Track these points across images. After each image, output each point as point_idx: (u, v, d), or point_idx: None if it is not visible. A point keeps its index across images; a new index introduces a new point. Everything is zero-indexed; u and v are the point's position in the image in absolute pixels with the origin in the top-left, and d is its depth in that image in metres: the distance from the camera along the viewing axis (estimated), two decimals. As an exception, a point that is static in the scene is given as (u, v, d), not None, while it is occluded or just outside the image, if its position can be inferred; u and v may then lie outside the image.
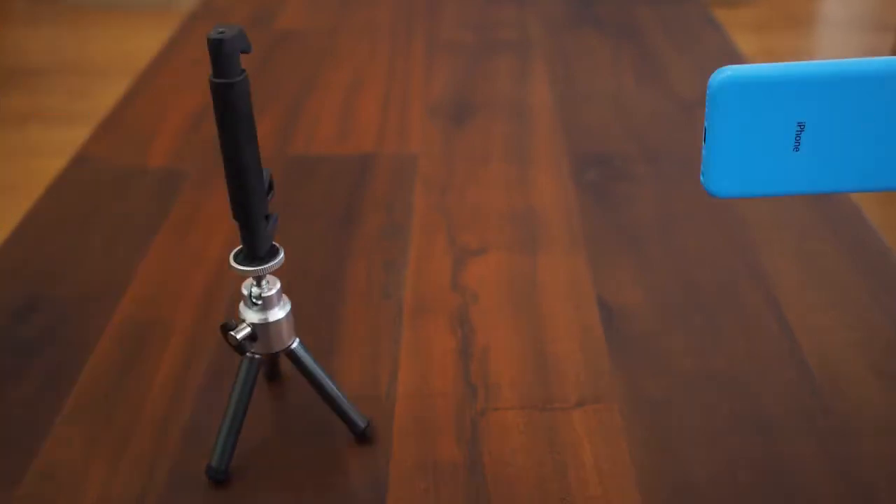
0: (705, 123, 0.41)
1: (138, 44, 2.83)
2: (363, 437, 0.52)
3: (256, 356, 0.50)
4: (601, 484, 0.50)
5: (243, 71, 0.42)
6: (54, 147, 2.13)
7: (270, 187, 0.46)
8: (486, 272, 0.67)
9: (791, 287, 0.65)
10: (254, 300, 0.49)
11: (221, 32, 0.40)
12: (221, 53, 0.40)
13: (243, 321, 0.49)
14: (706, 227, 0.73)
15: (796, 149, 0.41)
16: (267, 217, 0.46)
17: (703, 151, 0.41)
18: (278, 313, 0.49)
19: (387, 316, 0.63)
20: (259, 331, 0.49)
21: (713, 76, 0.40)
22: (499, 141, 0.87)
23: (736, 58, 1.05)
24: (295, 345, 0.51)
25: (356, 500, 0.49)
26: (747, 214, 0.74)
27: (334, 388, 0.51)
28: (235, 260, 0.47)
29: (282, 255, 0.47)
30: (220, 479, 0.49)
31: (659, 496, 0.49)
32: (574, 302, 0.64)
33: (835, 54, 2.85)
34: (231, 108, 0.42)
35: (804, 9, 3.24)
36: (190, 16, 1.22)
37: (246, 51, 0.41)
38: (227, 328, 0.48)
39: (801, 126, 0.41)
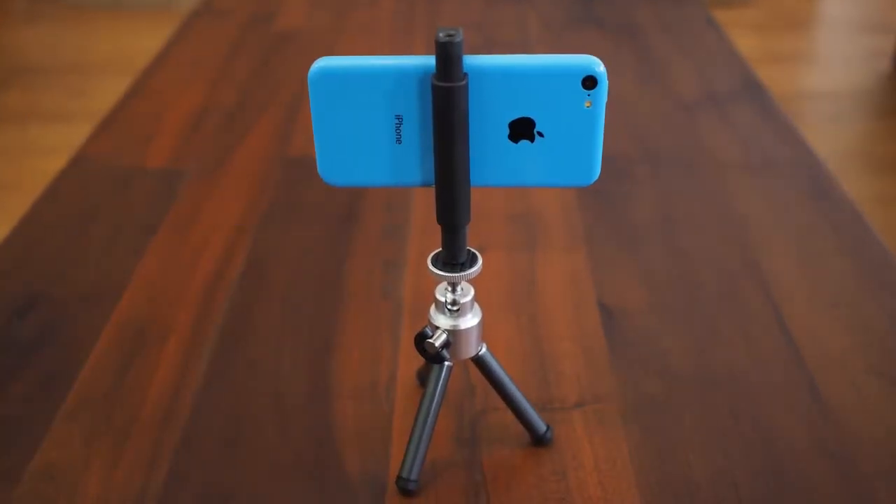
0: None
1: (138, 43, 2.82)
2: (543, 441, 0.52)
3: (448, 363, 0.49)
4: (601, 484, 0.49)
5: (465, 75, 0.40)
6: (54, 146, 2.13)
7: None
8: (486, 272, 0.67)
9: (791, 287, 0.65)
10: (450, 307, 0.48)
11: (450, 35, 0.38)
12: (451, 57, 0.39)
13: (437, 328, 0.48)
14: (706, 227, 0.72)
15: (398, 141, 0.42)
16: (468, 222, 0.45)
17: (315, 140, 0.42)
18: (472, 320, 0.48)
19: (386, 316, 0.63)
20: (453, 338, 0.48)
21: (312, 67, 0.40)
22: (499, 141, 0.87)
23: (735, 58, 1.05)
24: (482, 351, 0.50)
25: (356, 500, 0.49)
26: (747, 214, 0.74)
27: (517, 393, 0.51)
28: (434, 265, 0.46)
29: (479, 262, 0.46)
30: (410, 489, 0.49)
31: (659, 496, 0.49)
32: (574, 302, 0.64)
33: (835, 55, 2.85)
34: (452, 112, 0.40)
35: (804, 9, 3.24)
36: (190, 16, 1.22)
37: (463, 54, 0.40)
38: (423, 337, 0.47)
39: (400, 119, 0.41)
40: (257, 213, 0.75)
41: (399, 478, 0.49)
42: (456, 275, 0.46)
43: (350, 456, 0.52)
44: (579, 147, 0.43)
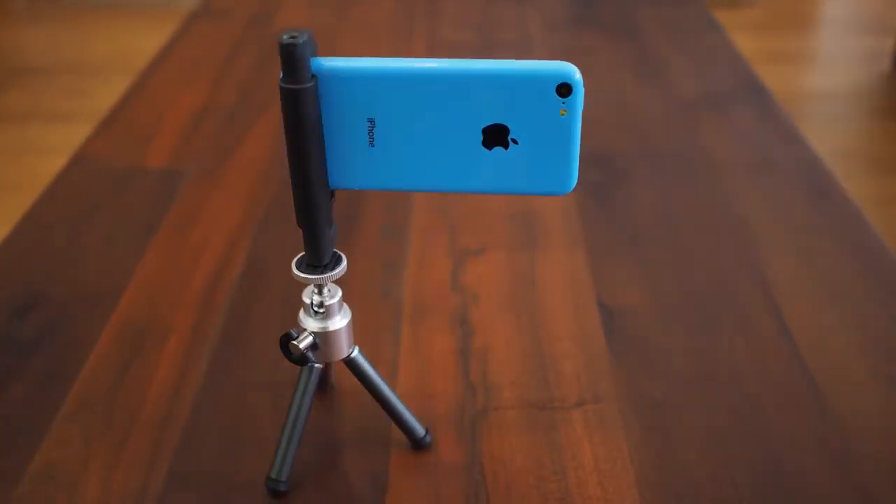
0: None
1: (138, 43, 2.82)
2: (422, 445, 0.52)
3: (317, 365, 0.49)
4: (601, 484, 0.49)
5: (314, 77, 0.40)
6: (54, 146, 2.13)
7: (332, 193, 0.45)
8: (486, 272, 0.67)
9: (791, 287, 0.65)
10: (316, 309, 0.48)
11: (294, 37, 0.39)
12: (294, 59, 0.39)
13: (305, 330, 0.48)
14: (706, 227, 0.72)
15: (371, 144, 0.41)
16: (330, 225, 0.46)
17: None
18: (340, 321, 0.48)
19: (386, 316, 0.63)
20: (320, 340, 0.48)
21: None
22: (499, 141, 0.87)
23: (735, 58, 1.05)
24: (354, 353, 0.50)
25: (356, 500, 0.49)
26: (747, 214, 0.74)
27: (392, 396, 0.51)
28: (297, 268, 0.46)
29: (344, 263, 0.46)
30: (280, 490, 0.49)
31: (659, 496, 0.49)
32: (574, 302, 0.64)
33: (835, 55, 2.85)
34: (300, 113, 0.40)
35: (804, 9, 3.24)
36: (190, 15, 1.22)
37: (314, 54, 0.40)
38: (288, 338, 0.47)
39: (372, 122, 0.41)
40: (257, 213, 0.75)
41: (269, 479, 0.49)
42: (319, 277, 0.46)
43: (350, 456, 0.52)
44: (555, 155, 0.41)
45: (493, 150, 0.41)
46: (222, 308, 0.64)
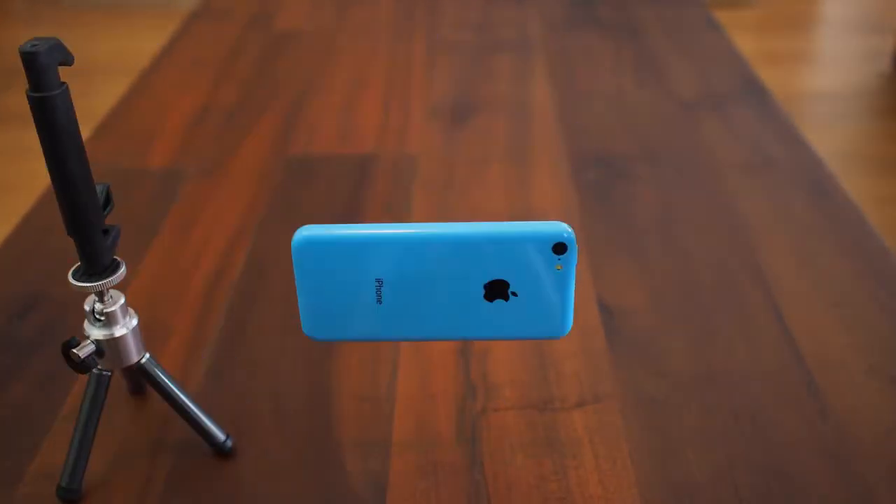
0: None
1: (138, 44, 2.82)
2: (223, 450, 0.51)
3: (105, 372, 0.49)
4: (601, 484, 0.49)
5: (63, 84, 0.40)
6: (54, 147, 2.12)
7: (108, 201, 0.45)
8: (486, 272, 0.67)
9: (791, 287, 0.65)
10: (97, 316, 0.47)
11: (35, 45, 0.39)
12: (36, 67, 0.39)
13: (87, 338, 0.47)
14: (706, 227, 0.72)
15: (379, 301, 0.45)
16: (106, 231, 0.45)
17: (298, 301, 0.45)
18: (123, 328, 0.48)
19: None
20: (105, 347, 0.48)
21: (295, 234, 0.44)
22: (499, 141, 0.87)
23: (735, 58, 1.05)
24: (145, 360, 0.50)
25: (356, 500, 0.49)
26: (747, 214, 0.74)
27: (188, 401, 0.51)
28: (74, 276, 0.46)
29: (122, 269, 0.46)
30: (72, 498, 0.48)
31: (659, 496, 0.49)
32: (574, 302, 0.64)
33: (835, 55, 2.85)
34: (51, 121, 0.40)
35: (804, 10, 3.24)
36: (190, 15, 1.22)
37: (65, 63, 0.40)
38: (69, 346, 0.46)
39: (380, 282, 0.44)
40: (257, 213, 0.75)
41: (59, 487, 0.48)
42: (96, 284, 0.45)
43: (350, 456, 0.52)
44: (551, 304, 0.45)
45: (494, 303, 0.44)
46: (222, 308, 0.64)
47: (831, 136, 2.28)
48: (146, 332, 0.61)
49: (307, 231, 0.44)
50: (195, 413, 0.51)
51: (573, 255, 0.43)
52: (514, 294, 0.44)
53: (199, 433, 0.51)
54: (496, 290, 0.44)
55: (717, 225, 0.73)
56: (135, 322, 0.49)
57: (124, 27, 3.06)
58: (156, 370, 0.50)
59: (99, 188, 0.44)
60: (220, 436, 0.51)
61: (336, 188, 0.79)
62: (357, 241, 0.44)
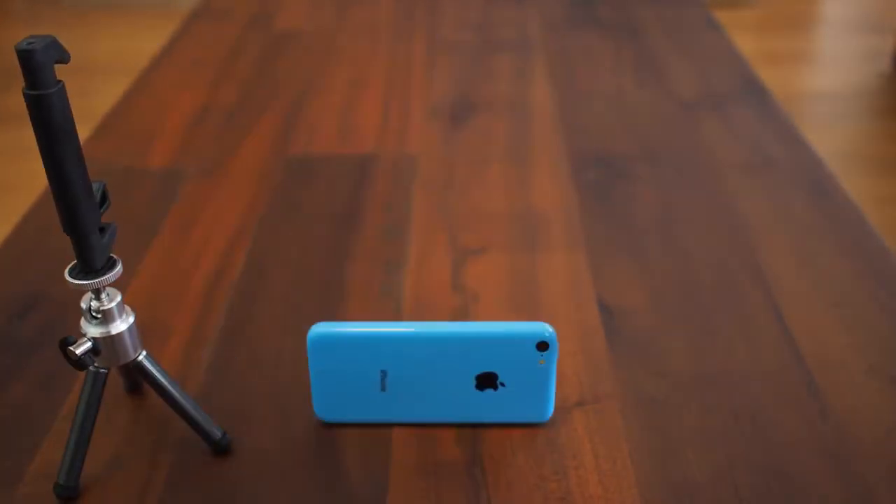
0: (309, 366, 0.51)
1: (138, 44, 2.83)
2: (220, 447, 0.51)
3: (101, 370, 0.49)
4: (601, 484, 0.50)
5: (59, 82, 0.40)
6: (54, 147, 2.12)
7: (104, 199, 0.45)
8: (487, 272, 0.67)
9: (791, 287, 0.65)
10: (94, 314, 0.47)
11: (32, 43, 0.38)
12: (32, 65, 0.39)
13: (84, 335, 0.47)
14: (706, 227, 0.72)
15: (383, 389, 0.52)
16: (103, 229, 0.45)
17: (311, 387, 0.52)
18: (120, 326, 0.48)
19: (387, 315, 0.63)
20: (101, 344, 0.48)
21: (311, 330, 0.50)
22: (499, 141, 0.87)
23: (735, 58, 1.05)
24: (142, 357, 0.50)
25: (356, 500, 0.49)
26: (747, 214, 0.74)
27: (184, 399, 0.51)
28: (70, 274, 0.46)
29: (119, 267, 0.46)
30: (70, 495, 0.48)
31: (659, 496, 0.49)
32: (574, 302, 0.64)
33: (835, 55, 2.85)
34: (47, 119, 0.40)
35: (804, 9, 3.24)
36: (190, 15, 1.22)
37: (62, 60, 0.40)
38: (66, 343, 0.46)
39: (384, 373, 0.51)
40: (257, 213, 0.75)
41: (56, 484, 0.48)
42: (93, 282, 0.45)
43: (350, 456, 0.52)
44: (535, 394, 0.52)
45: (484, 391, 0.51)
46: (222, 308, 0.64)
47: (831, 136, 2.28)
48: (146, 332, 0.62)
49: (321, 328, 0.50)
50: (192, 412, 0.51)
51: (554, 352, 0.50)
52: (503, 384, 0.51)
53: (195, 430, 0.51)
54: (486, 380, 0.51)
55: (717, 225, 0.73)
56: (131, 320, 0.49)
57: (124, 27, 3.06)
58: (151, 368, 0.50)
59: (95, 186, 0.44)
60: (217, 433, 0.51)
61: (336, 188, 0.79)
62: (364, 338, 0.50)
